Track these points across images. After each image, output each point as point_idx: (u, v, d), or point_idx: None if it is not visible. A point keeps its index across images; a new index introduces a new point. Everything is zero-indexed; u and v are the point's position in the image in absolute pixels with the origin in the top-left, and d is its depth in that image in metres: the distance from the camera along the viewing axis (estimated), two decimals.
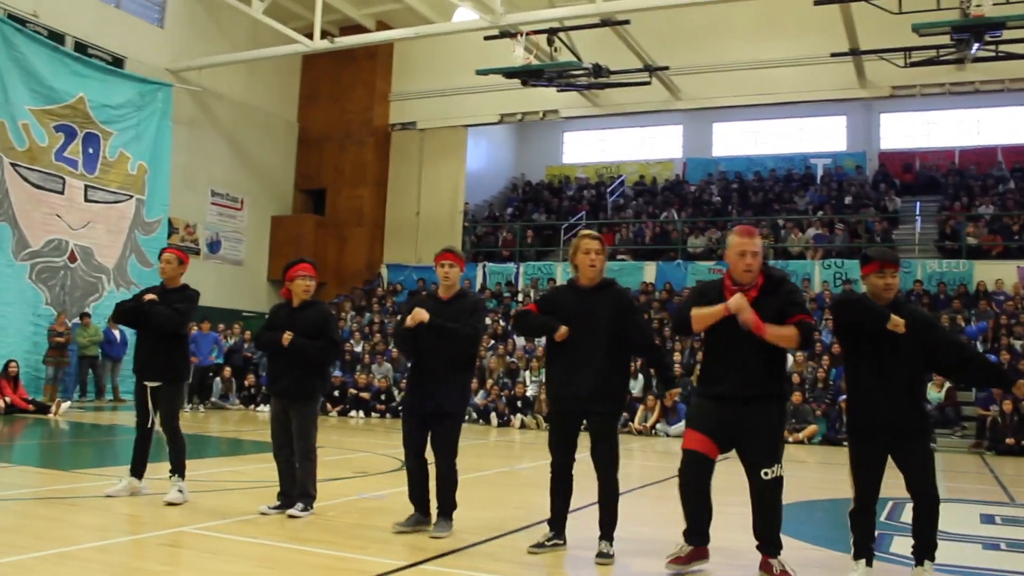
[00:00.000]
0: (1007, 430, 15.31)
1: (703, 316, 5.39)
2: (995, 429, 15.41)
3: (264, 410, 19.25)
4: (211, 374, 19.76)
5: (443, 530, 6.33)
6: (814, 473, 12.18)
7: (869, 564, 5.27)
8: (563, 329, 5.84)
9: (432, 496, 6.51)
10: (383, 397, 19.32)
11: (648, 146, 30.85)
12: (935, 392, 16.70)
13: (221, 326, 21.02)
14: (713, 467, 5.48)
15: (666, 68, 22.16)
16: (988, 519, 8.15)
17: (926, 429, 5.37)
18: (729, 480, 6.42)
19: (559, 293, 6.16)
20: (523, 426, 17.94)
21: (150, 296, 7.46)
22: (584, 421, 5.92)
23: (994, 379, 5.85)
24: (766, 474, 5.32)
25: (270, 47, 22.72)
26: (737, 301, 5.25)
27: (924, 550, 5.20)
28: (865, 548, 5.27)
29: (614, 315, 5.86)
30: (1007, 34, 17.03)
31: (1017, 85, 22.01)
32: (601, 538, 5.83)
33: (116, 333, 19.53)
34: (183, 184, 23.07)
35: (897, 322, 5.11)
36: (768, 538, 5.40)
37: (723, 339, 5.43)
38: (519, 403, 18.43)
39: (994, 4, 16.18)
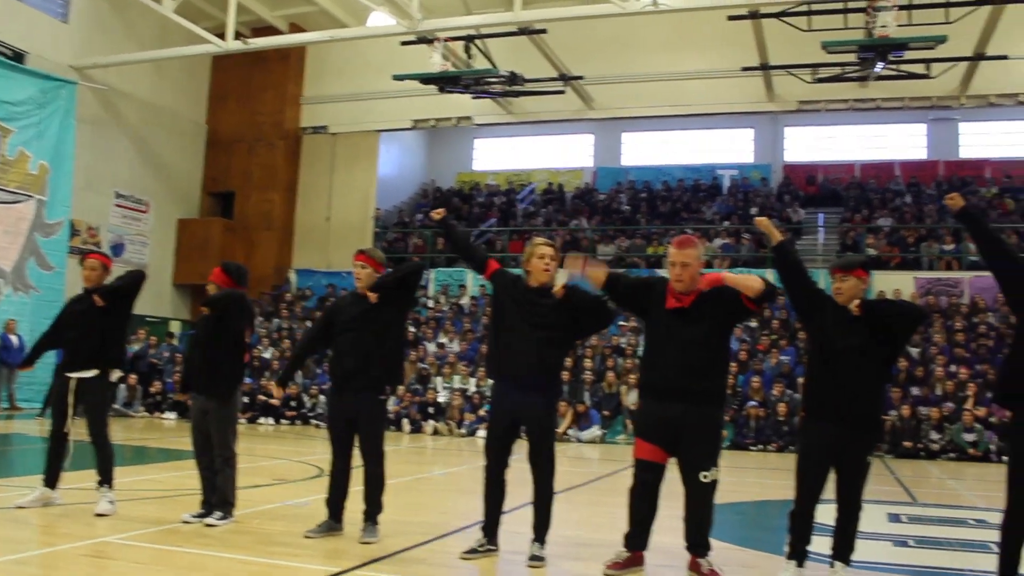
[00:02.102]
0: (905, 434, 15.89)
1: None
2: (894, 433, 15.95)
3: (170, 417, 18.86)
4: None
5: (372, 535, 6.31)
6: (727, 477, 12.42)
7: (801, 565, 5.41)
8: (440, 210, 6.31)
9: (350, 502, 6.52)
10: (293, 404, 19.09)
11: (559, 154, 31.10)
12: None
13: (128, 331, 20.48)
14: (663, 472, 5.61)
15: (580, 78, 22.41)
16: (895, 518, 8.50)
17: (873, 437, 5.56)
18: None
19: (513, 283, 6.17)
20: (435, 432, 17.91)
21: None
22: (522, 424, 5.96)
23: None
24: (704, 477, 5.46)
25: (180, 46, 22.26)
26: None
27: (843, 551, 5.39)
28: (799, 549, 5.42)
29: (561, 311, 5.95)
30: (909, 55, 17.67)
31: (916, 103, 22.85)
32: (533, 540, 5.88)
33: (13, 338, 18.85)
34: (86, 185, 22.42)
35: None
36: (698, 539, 5.54)
37: (664, 335, 5.59)
38: (431, 409, 18.40)
39: (899, 26, 16.75)
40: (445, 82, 19.72)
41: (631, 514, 5.67)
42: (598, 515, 8.37)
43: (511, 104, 24.17)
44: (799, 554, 5.42)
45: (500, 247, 25.05)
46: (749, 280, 5.47)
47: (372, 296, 6.51)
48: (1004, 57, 19.99)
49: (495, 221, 27.12)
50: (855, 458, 5.36)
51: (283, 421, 18.90)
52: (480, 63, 20.09)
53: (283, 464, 11.58)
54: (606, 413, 17.47)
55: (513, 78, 20.02)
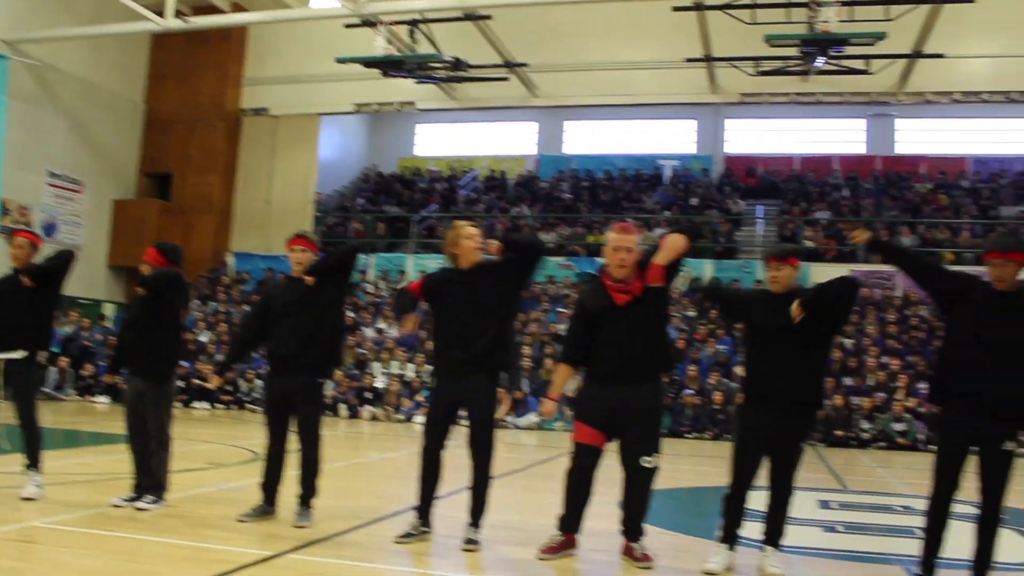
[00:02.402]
0: (837, 423, 16.19)
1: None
2: (827, 422, 16.23)
3: (102, 401, 18.55)
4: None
5: (306, 519, 6.26)
6: (663, 464, 12.52)
7: (732, 548, 5.50)
8: (408, 325, 5.98)
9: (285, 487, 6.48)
10: (229, 388, 18.87)
11: (502, 141, 31.07)
12: None
13: (56, 313, 20.08)
14: (600, 456, 5.63)
15: (525, 65, 22.40)
16: (825, 504, 8.64)
17: (809, 425, 5.66)
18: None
19: (443, 278, 6.13)
20: (373, 418, 17.85)
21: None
22: (463, 407, 5.94)
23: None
24: (646, 462, 5.51)
25: (118, 23, 21.78)
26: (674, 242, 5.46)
27: (773, 535, 5.49)
28: (731, 533, 5.51)
29: (497, 284, 5.92)
30: (849, 50, 17.96)
31: (855, 98, 23.17)
32: (469, 524, 5.88)
33: None
34: (17, 163, 21.85)
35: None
36: (634, 524, 5.59)
37: (608, 324, 5.60)
38: (368, 395, 18.32)
39: (840, 21, 16.99)
40: (388, 66, 19.60)
41: (567, 497, 5.69)
42: (534, 500, 8.40)
43: (455, 90, 24.08)
44: (731, 538, 5.51)
45: (441, 233, 24.96)
46: (674, 244, 5.46)
47: (309, 279, 6.45)
48: (941, 56, 20.39)
49: (436, 207, 27.03)
50: (790, 444, 5.47)
51: (218, 405, 18.69)
52: (424, 48, 20.00)
53: (218, 448, 11.45)
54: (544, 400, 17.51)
55: (457, 64, 19.97)
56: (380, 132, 31.92)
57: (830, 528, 7.39)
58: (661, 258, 5.47)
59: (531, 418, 17.17)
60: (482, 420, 5.91)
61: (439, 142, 31.82)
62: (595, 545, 5.87)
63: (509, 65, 22.07)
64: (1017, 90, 22.54)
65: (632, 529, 5.60)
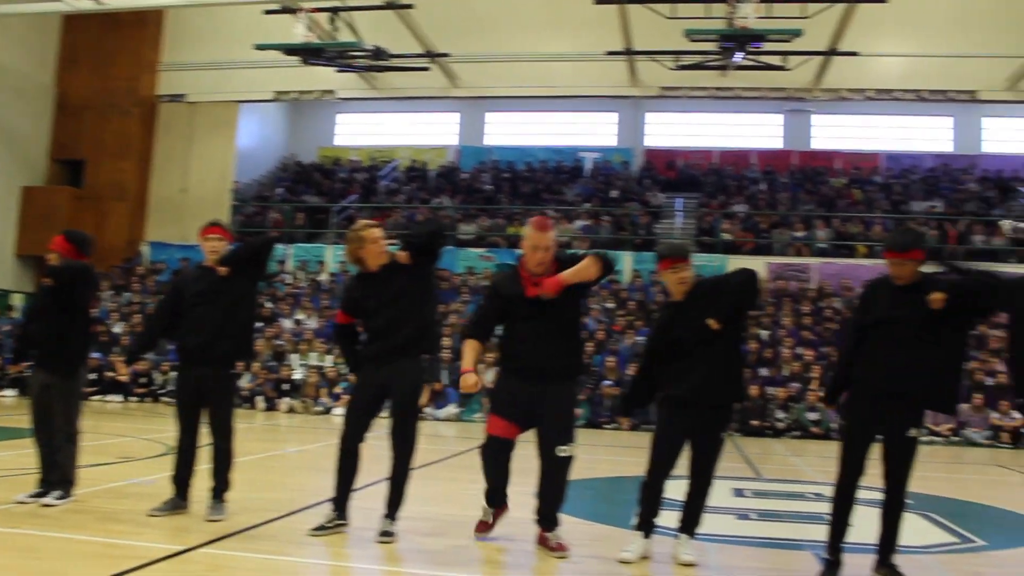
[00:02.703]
0: (753, 413, 16.45)
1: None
2: (743, 412, 16.47)
3: (9, 394, 18.03)
4: None
5: (219, 512, 6.17)
6: (581, 454, 12.60)
7: (648, 536, 5.56)
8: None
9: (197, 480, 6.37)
10: (143, 381, 18.50)
11: (423, 132, 30.87)
12: None
13: None
14: (513, 447, 5.71)
15: (446, 55, 22.31)
16: (739, 492, 8.79)
17: (728, 415, 5.72)
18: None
19: (357, 288, 6.11)
20: (291, 410, 17.64)
21: None
22: (387, 398, 5.91)
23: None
24: (561, 451, 5.53)
25: (26, 3, 21.14)
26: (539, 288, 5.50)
27: (689, 524, 5.57)
28: (647, 521, 5.57)
29: (410, 279, 5.90)
30: (767, 46, 18.23)
31: (773, 94, 23.57)
32: (385, 516, 5.84)
33: None
34: None
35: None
36: (549, 514, 5.61)
37: (520, 318, 5.63)
38: (286, 387, 18.10)
39: (758, 18, 17.25)
40: (308, 54, 19.35)
41: (487, 478, 5.81)
42: (453, 491, 8.37)
43: (376, 79, 23.86)
44: (647, 526, 5.57)
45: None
46: (586, 271, 5.50)
47: (223, 269, 6.33)
48: (855, 54, 20.81)
49: (356, 197, 26.77)
50: (710, 434, 5.55)
51: (132, 398, 18.30)
52: (345, 36, 19.76)
53: (130, 442, 11.21)
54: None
55: (378, 53, 19.79)
56: (300, 121, 31.50)
57: (743, 516, 7.51)
58: (568, 276, 5.50)
59: (450, 409, 17.15)
60: (405, 409, 5.88)
61: (360, 132, 31.49)
62: (510, 533, 5.89)
63: (431, 55, 21.96)
64: (928, 89, 23.16)
65: (547, 518, 5.62)
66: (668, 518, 5.70)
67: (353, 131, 31.55)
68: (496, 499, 5.87)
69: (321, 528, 5.80)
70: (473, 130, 30.48)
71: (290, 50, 19.19)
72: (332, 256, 23.54)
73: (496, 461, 5.74)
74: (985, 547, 6.47)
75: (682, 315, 5.59)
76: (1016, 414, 15.88)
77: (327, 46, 19.21)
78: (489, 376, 17.24)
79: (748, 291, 5.60)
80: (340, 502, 5.90)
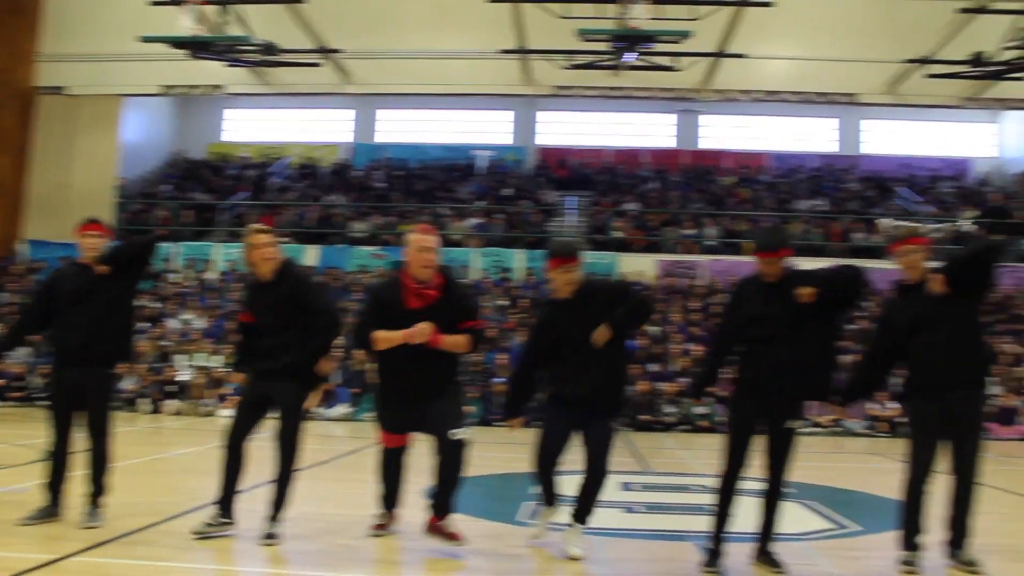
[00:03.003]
0: (642, 408, 16.68)
1: (386, 340, 5.55)
2: (632, 407, 16.70)
3: None
4: None
5: (96, 518, 5.97)
6: (474, 451, 12.59)
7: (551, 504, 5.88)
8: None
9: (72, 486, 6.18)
10: (19, 384, 17.83)
11: (315, 128, 30.47)
12: None
13: None
14: (406, 452, 5.87)
15: (339, 51, 22.04)
16: (628, 486, 8.89)
17: (616, 407, 5.77)
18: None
19: (252, 288, 6.13)
20: (177, 412, 17.21)
21: None
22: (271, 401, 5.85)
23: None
24: (453, 434, 5.52)
25: None
26: (421, 333, 5.46)
27: (581, 513, 5.65)
28: (550, 495, 5.84)
29: (292, 299, 5.87)
30: (657, 47, 18.51)
31: (663, 94, 23.89)
32: (269, 518, 5.76)
33: None
34: None
35: None
36: (444, 502, 5.58)
37: (394, 348, 5.60)
38: (172, 388, 17.65)
39: (649, 19, 17.49)
40: (196, 47, 18.90)
41: (382, 485, 5.92)
42: (341, 491, 8.28)
43: (267, 74, 23.44)
44: (550, 499, 5.87)
45: (251, 222, 24.29)
46: (458, 340, 5.61)
47: (102, 268, 6.13)
48: (743, 56, 21.26)
49: (246, 195, 26.27)
50: (600, 426, 5.60)
51: (8, 402, 17.62)
52: (235, 30, 19.36)
53: (1, 448, 10.79)
54: (355, 390, 17.33)
55: (269, 48, 19.48)
56: (188, 116, 30.73)
57: (631, 509, 7.60)
58: (446, 343, 5.57)
59: (341, 409, 16.97)
60: (289, 412, 5.82)
61: (250, 128, 30.92)
62: (405, 534, 5.86)
63: (323, 51, 21.67)
64: (814, 91, 23.81)
65: (442, 506, 5.58)
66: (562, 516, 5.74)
67: (243, 127, 30.95)
68: (391, 503, 5.97)
69: (203, 530, 5.67)
70: (366, 127, 30.21)
71: (177, 43, 18.70)
72: (221, 255, 23.06)
73: (393, 469, 5.90)
74: (860, 532, 6.68)
75: (568, 314, 5.61)
76: (892, 404, 16.42)
77: (216, 39, 18.79)
78: None
79: (634, 307, 5.69)
80: (225, 502, 5.79)
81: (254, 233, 5.94)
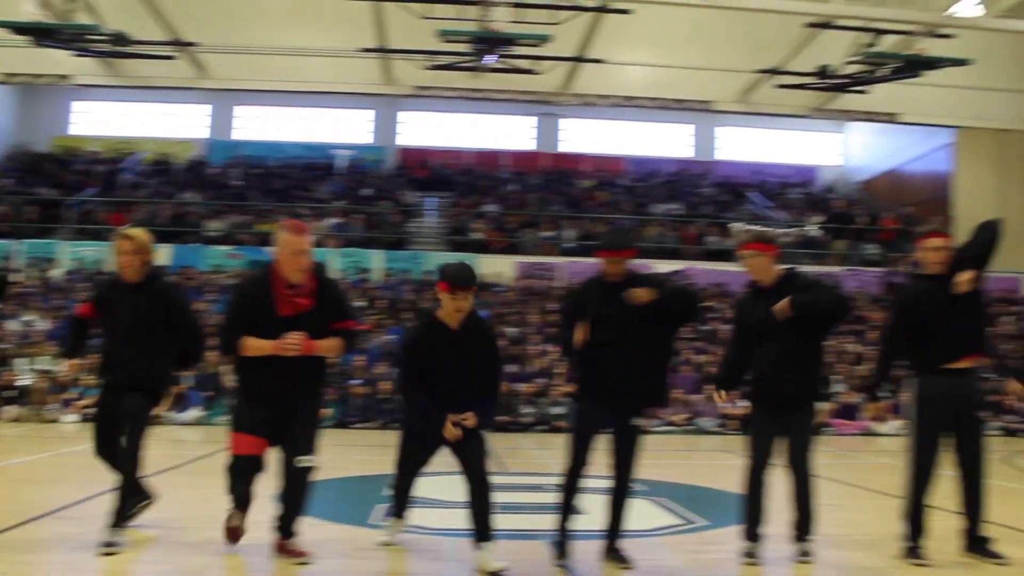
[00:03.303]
0: (500, 409, 16.71)
1: (255, 349, 5.30)
2: None
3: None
4: None
5: None
6: (330, 454, 12.41)
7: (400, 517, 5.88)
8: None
9: None
10: None
11: (169, 124, 29.57)
12: None
13: None
14: (261, 465, 5.50)
15: (194, 44, 21.42)
16: None
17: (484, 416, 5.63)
18: None
19: (108, 290, 5.93)
20: (17, 419, 16.39)
21: None
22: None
23: None
24: (299, 462, 5.38)
25: None
26: (293, 346, 5.23)
27: (482, 532, 5.51)
28: (401, 505, 5.85)
29: (157, 308, 5.79)
30: (518, 50, 18.67)
31: (523, 97, 24.10)
32: (110, 526, 5.54)
33: None
34: None
35: None
36: (288, 524, 5.47)
37: (270, 336, 5.35)
38: (12, 393, 16.81)
39: (509, 22, 17.61)
40: (40, 35, 18.08)
41: (232, 494, 5.54)
42: (191, 496, 8.02)
43: (117, 66, 22.62)
44: (399, 511, 5.88)
45: (99, 219, 23.42)
46: (332, 344, 5.44)
47: None
48: (602, 61, 21.60)
49: (95, 191, 25.29)
50: (472, 435, 5.48)
51: None
52: (84, 18, 18.60)
53: None
54: (208, 394, 16.86)
55: (120, 38, 18.79)
56: (32, 107, 29.38)
57: None
58: (322, 347, 5.40)
59: (193, 412, 16.49)
60: (135, 421, 5.69)
61: (100, 121, 29.80)
62: (247, 542, 5.70)
63: (177, 43, 21.02)
64: (671, 98, 24.39)
65: (286, 528, 5.47)
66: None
67: (92, 120, 29.80)
68: (244, 506, 5.65)
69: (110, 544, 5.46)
70: (223, 124, 29.53)
71: (19, 29, 17.85)
72: (67, 253, 22.13)
73: (244, 478, 5.47)
74: (706, 526, 6.85)
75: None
76: (743, 402, 16.90)
77: (60, 27, 18.02)
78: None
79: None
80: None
81: (121, 236, 5.77)
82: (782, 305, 5.54)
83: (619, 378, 5.38)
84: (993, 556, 5.59)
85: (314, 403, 5.59)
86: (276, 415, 5.39)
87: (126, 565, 5.30)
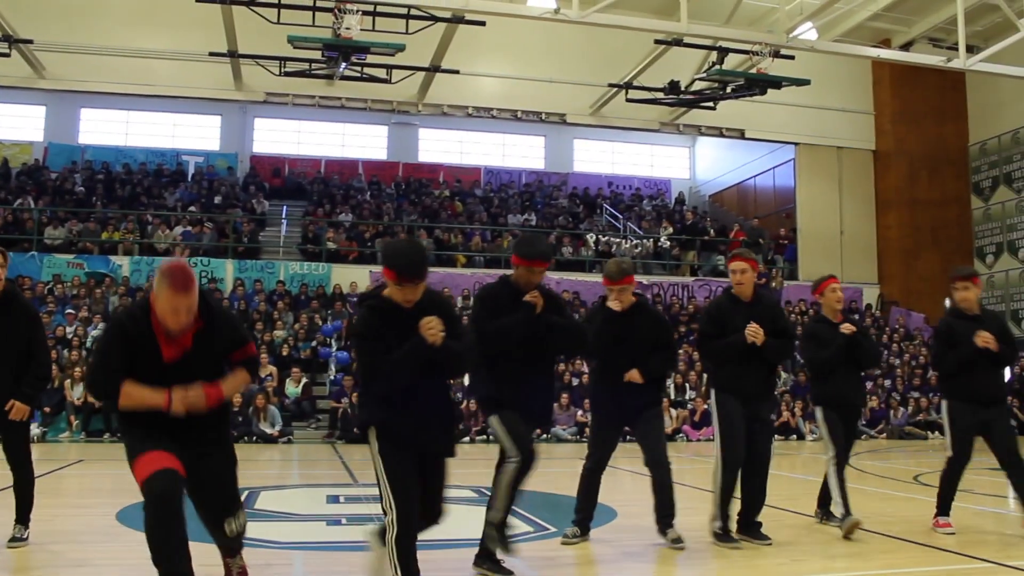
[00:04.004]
0: (355, 421, 16.52)
1: (139, 401, 4.24)
2: (345, 419, 16.54)
3: None
4: None
5: None
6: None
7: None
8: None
9: None
10: None
11: (4, 125, 28.12)
12: (292, 387, 17.50)
13: None
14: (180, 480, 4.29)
15: (29, 41, 20.46)
16: (334, 499, 8.77)
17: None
18: None
19: None
20: None
21: None
22: None
23: None
24: (231, 529, 4.57)
25: None
26: (187, 403, 4.24)
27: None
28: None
29: (17, 331, 5.81)
30: (372, 59, 18.56)
31: (378, 106, 24.00)
32: (16, 522, 5.89)
33: None
34: None
35: None
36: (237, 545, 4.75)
37: (153, 378, 4.31)
38: None
39: (362, 29, 17.46)
40: None
41: (155, 551, 4.16)
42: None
43: None
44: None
45: None
46: (238, 381, 4.59)
47: None
48: (456, 71, 21.64)
49: None
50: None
51: None
52: None
53: None
54: (46, 409, 16.06)
55: None
56: None
57: (335, 522, 7.43)
58: (228, 390, 4.44)
59: (32, 429, 15.69)
60: (14, 426, 5.84)
61: None
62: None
63: (10, 40, 20.01)
64: (523, 109, 24.65)
65: (231, 549, 4.75)
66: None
67: None
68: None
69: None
70: (64, 126, 28.21)
71: None
72: None
73: (169, 513, 4.08)
74: (555, 533, 6.86)
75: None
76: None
77: None
78: (78, 392, 16.12)
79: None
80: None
81: None
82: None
83: (523, 394, 5.42)
84: (761, 539, 6.34)
85: (223, 451, 4.57)
86: (180, 456, 4.27)
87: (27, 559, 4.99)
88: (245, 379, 4.66)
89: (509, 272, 5.54)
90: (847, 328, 6.76)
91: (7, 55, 19.85)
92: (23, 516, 5.94)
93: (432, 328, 4.27)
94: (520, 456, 5.36)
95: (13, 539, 5.83)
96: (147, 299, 4.30)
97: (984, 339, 6.58)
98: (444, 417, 4.64)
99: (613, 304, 6.27)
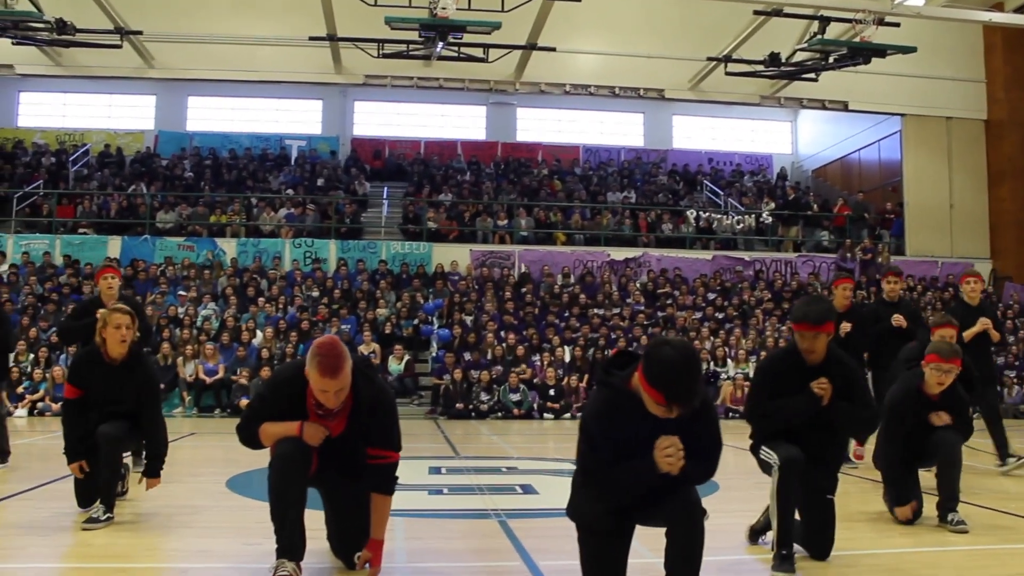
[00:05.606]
0: (457, 396, 16.73)
1: (274, 435, 4.35)
2: (446, 396, 16.75)
3: None
4: None
5: None
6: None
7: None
8: None
9: None
10: None
11: (117, 115, 29.08)
12: (395, 364, 17.76)
13: None
14: None
15: (139, 33, 21.07)
16: (435, 470, 8.92)
17: None
18: None
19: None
20: None
21: None
22: None
23: None
24: (360, 557, 4.55)
25: None
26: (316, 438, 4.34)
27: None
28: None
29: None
30: (468, 38, 18.59)
31: (475, 85, 24.09)
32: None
33: None
34: None
35: None
36: None
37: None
38: None
39: (458, 8, 17.51)
40: None
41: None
42: None
43: (61, 55, 22.27)
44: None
45: (48, 211, 23.02)
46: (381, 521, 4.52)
47: None
48: (553, 49, 21.56)
49: (42, 184, 24.78)
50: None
51: None
52: (23, 5, 18.23)
53: None
54: (162, 386, 16.60)
55: (62, 26, 18.45)
56: None
57: (436, 491, 7.55)
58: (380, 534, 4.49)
59: None
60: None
61: (46, 113, 29.22)
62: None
63: (121, 32, 20.63)
64: (620, 85, 24.45)
65: None
66: None
67: (39, 111, 29.22)
68: None
69: None
70: (172, 115, 29.03)
71: None
72: (13, 247, 21.70)
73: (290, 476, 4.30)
74: None
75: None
76: None
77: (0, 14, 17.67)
78: (190, 368, 16.62)
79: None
80: None
81: (115, 312, 5.79)
82: None
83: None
84: None
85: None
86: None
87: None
88: (387, 511, 4.53)
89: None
90: None
91: (119, 46, 20.44)
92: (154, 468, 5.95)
93: (671, 454, 3.60)
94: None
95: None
96: (302, 371, 4.24)
97: None
98: None
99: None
